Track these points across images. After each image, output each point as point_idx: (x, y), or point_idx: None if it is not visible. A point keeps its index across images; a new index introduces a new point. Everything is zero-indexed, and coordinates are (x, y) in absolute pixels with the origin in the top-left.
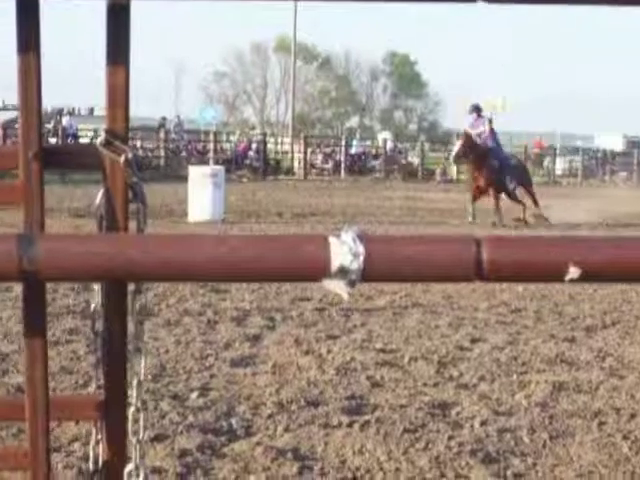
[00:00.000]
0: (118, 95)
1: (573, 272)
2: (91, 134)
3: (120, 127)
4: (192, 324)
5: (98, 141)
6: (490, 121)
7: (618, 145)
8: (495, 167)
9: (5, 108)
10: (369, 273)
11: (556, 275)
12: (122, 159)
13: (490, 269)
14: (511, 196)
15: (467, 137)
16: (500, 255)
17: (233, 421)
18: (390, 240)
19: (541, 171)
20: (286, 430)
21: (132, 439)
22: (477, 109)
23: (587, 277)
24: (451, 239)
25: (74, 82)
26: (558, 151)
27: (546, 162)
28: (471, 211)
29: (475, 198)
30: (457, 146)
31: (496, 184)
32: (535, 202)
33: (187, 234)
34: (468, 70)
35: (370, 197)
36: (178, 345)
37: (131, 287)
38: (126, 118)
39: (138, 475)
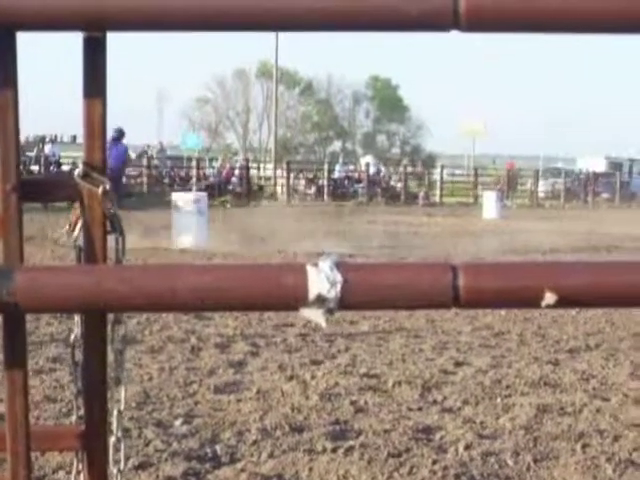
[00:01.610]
0: (96, 127)
1: (549, 298)
2: (72, 162)
3: (98, 158)
4: (176, 351)
5: (76, 173)
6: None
7: (600, 167)
8: None
9: None
10: (347, 301)
11: (532, 301)
12: (100, 190)
13: (467, 296)
14: None
15: None
16: (476, 282)
17: (217, 448)
18: (367, 268)
19: (517, 193)
20: (270, 456)
21: (113, 469)
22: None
23: (563, 302)
24: (427, 266)
25: (56, 111)
26: (541, 173)
27: (528, 184)
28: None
29: None
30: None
31: None
32: None
33: (166, 264)
34: (450, 94)
35: (353, 222)
36: (162, 372)
37: (111, 317)
38: (103, 150)
39: None
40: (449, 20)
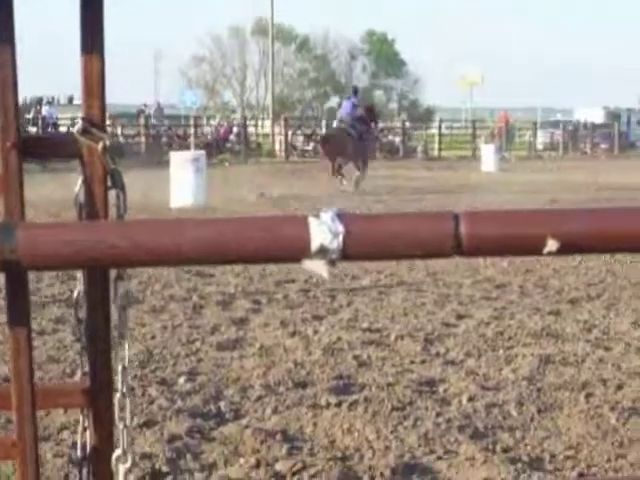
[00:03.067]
0: (94, 83)
1: (551, 245)
2: (70, 123)
3: (97, 115)
4: (178, 309)
5: (75, 129)
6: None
7: (598, 117)
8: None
9: None
10: (349, 252)
11: (534, 248)
12: (100, 146)
13: (469, 244)
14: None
15: None
16: (478, 230)
17: (221, 404)
18: (369, 218)
19: (514, 144)
20: (274, 412)
21: (119, 425)
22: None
23: (565, 249)
24: (429, 215)
25: (53, 71)
26: (539, 125)
27: (527, 136)
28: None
29: None
30: None
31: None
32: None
33: (167, 219)
34: (447, 48)
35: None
36: (165, 331)
37: (113, 273)
38: (103, 106)
39: (126, 460)
40: None
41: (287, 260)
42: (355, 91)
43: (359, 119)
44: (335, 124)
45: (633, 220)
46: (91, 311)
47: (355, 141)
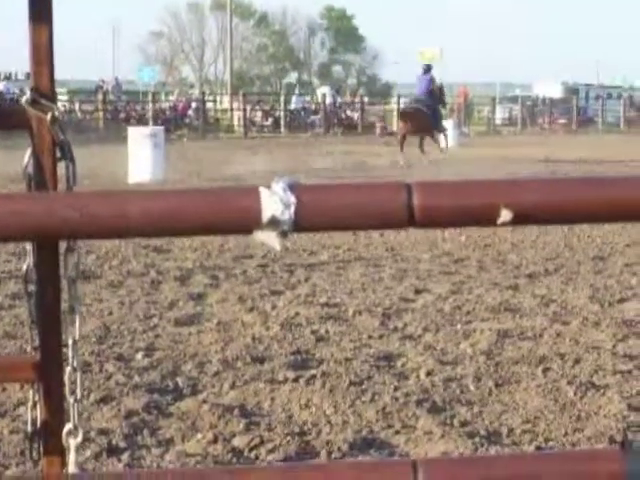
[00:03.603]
0: (42, 53)
1: (505, 215)
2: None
3: (46, 85)
4: (135, 285)
5: (24, 99)
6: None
7: (557, 92)
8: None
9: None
10: (301, 223)
11: (488, 219)
12: (49, 117)
13: (422, 214)
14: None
15: None
16: (431, 200)
17: (179, 380)
18: (321, 189)
19: (473, 120)
20: (232, 387)
21: (70, 399)
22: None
23: (519, 219)
24: (382, 186)
25: (10, 47)
26: (497, 100)
27: (485, 112)
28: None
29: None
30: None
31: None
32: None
33: (118, 190)
34: (406, 23)
35: (311, 153)
36: (122, 306)
37: (63, 245)
38: (51, 75)
39: (77, 435)
40: None
41: (238, 232)
42: (428, 68)
43: (431, 95)
44: (410, 101)
45: (587, 190)
46: (41, 284)
47: (429, 117)
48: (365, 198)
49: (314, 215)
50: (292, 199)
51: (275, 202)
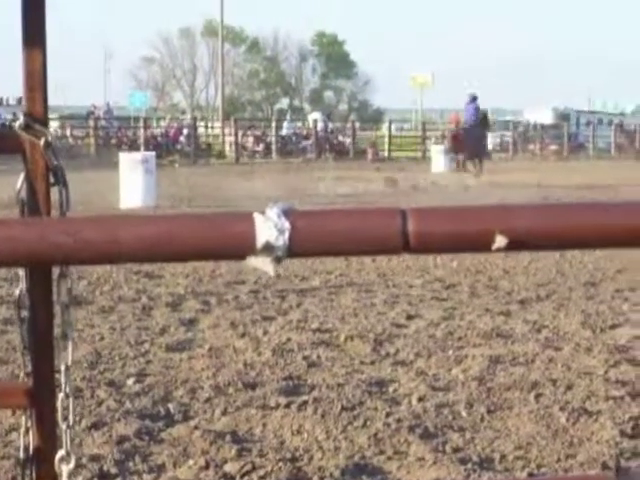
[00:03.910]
0: (36, 79)
1: (500, 240)
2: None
3: (39, 110)
4: (127, 310)
5: (17, 124)
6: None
7: (547, 118)
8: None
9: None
10: (295, 249)
11: (483, 245)
12: (42, 142)
13: (417, 240)
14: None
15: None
16: (426, 226)
17: (170, 406)
18: (315, 215)
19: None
20: (224, 413)
21: (62, 425)
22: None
23: (514, 245)
24: (376, 212)
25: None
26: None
27: None
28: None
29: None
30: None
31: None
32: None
33: (111, 215)
34: (397, 48)
35: (303, 178)
36: (113, 332)
37: (56, 271)
38: (45, 100)
39: (69, 461)
40: None
41: (232, 257)
42: (474, 98)
43: (478, 124)
44: (462, 125)
45: (581, 216)
46: (34, 310)
47: (475, 142)
48: (360, 224)
49: (309, 241)
50: (286, 225)
51: (269, 228)
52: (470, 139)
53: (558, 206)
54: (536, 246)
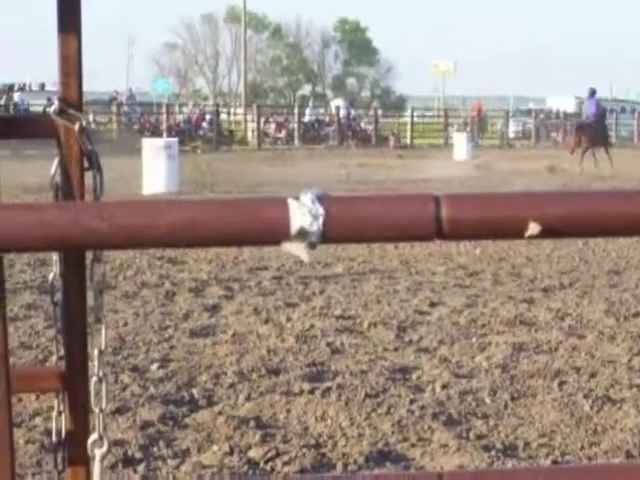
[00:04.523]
0: (71, 64)
1: (533, 228)
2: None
3: (74, 95)
4: (150, 296)
5: (52, 109)
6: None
7: (570, 106)
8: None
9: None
10: (329, 234)
11: (516, 231)
12: (77, 127)
13: (450, 227)
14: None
15: None
16: (459, 212)
17: (194, 391)
18: (350, 201)
19: (487, 133)
20: (247, 399)
21: (95, 409)
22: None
23: (547, 232)
24: (410, 198)
25: (24, 59)
26: (511, 114)
27: (499, 125)
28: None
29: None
30: None
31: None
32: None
33: (146, 200)
34: (419, 35)
35: (325, 165)
36: (137, 317)
37: (90, 256)
38: (79, 86)
39: (102, 445)
40: None
41: (266, 243)
42: (593, 92)
43: (600, 116)
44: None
45: (614, 203)
46: (67, 294)
47: (598, 133)
48: (393, 210)
49: (342, 227)
50: (321, 210)
51: (304, 213)
52: (592, 132)
53: (590, 193)
54: (569, 233)
